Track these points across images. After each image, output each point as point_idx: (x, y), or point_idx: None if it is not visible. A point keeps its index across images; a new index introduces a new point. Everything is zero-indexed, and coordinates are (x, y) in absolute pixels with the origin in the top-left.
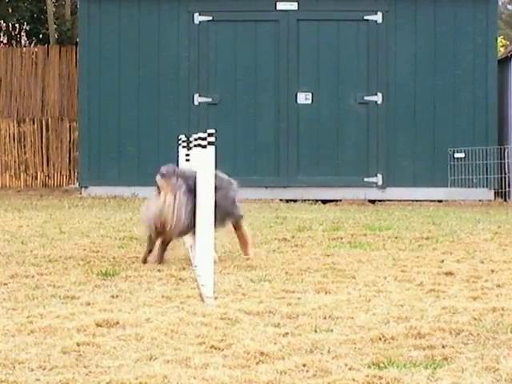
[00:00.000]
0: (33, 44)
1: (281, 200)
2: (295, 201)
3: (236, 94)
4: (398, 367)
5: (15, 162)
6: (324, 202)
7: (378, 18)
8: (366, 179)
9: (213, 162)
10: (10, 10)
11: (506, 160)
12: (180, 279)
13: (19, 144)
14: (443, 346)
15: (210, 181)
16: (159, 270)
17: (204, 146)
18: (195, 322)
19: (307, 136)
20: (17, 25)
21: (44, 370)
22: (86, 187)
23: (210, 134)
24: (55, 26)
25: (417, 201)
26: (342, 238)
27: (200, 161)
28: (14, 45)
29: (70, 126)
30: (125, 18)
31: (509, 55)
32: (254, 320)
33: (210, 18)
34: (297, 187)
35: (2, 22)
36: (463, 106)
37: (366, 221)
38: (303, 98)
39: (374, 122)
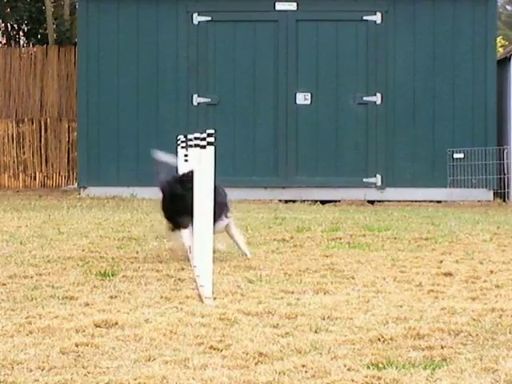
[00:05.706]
0: (31, 44)
1: (280, 200)
2: (294, 201)
3: (235, 95)
4: (397, 368)
5: (14, 162)
6: (323, 202)
7: (377, 18)
8: (365, 180)
9: (212, 162)
10: (9, 10)
11: (505, 160)
12: (179, 280)
13: (18, 144)
14: (442, 347)
15: (209, 181)
16: (158, 271)
17: (203, 147)
18: (194, 323)
19: (306, 136)
20: (15, 25)
21: (43, 370)
22: (84, 188)
23: (209, 135)
24: (54, 27)
25: (416, 201)
26: (340, 239)
27: (199, 161)
28: (12, 45)
29: (68, 127)
30: (123, 19)
31: (508, 56)
32: (253, 320)
33: (209, 19)
34: (296, 188)
35: (0, 22)
36: (462, 106)
37: (365, 221)
38: (302, 98)
39: (373, 123)
